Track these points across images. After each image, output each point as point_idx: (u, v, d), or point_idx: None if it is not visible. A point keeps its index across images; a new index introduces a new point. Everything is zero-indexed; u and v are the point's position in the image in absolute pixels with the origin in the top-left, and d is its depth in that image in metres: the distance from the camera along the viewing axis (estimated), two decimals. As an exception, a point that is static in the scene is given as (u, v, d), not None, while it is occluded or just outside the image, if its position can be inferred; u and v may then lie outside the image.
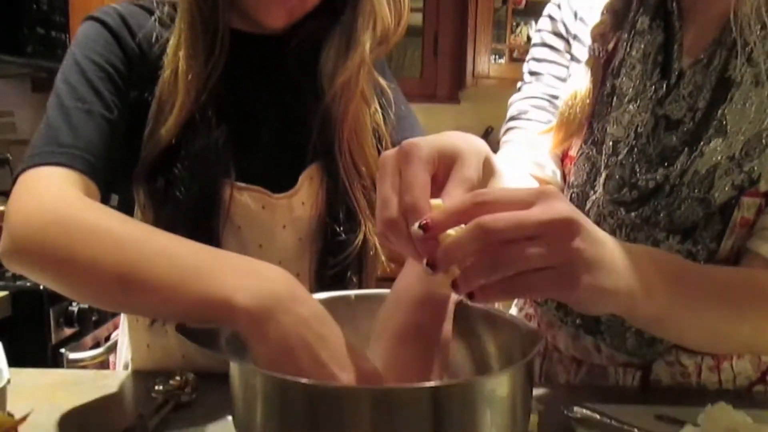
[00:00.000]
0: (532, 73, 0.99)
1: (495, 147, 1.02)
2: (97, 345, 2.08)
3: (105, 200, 0.81)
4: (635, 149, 0.83)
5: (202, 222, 0.84)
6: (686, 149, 0.81)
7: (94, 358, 1.93)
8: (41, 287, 1.86)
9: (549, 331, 1.02)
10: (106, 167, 0.79)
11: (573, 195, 0.93)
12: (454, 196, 0.54)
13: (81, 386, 0.86)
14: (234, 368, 0.56)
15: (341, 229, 0.91)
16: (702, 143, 0.79)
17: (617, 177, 0.84)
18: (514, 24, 3.40)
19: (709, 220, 0.81)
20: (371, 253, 0.95)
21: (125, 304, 0.71)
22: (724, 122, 0.78)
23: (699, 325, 0.67)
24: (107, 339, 2.12)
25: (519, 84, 1.01)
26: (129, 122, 0.83)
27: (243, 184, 0.88)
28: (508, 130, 0.99)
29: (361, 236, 0.92)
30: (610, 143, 0.86)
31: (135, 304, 0.67)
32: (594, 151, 0.90)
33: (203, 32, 0.84)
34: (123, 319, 1.03)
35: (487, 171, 0.63)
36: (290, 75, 0.92)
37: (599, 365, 0.95)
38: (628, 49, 0.86)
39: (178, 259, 0.63)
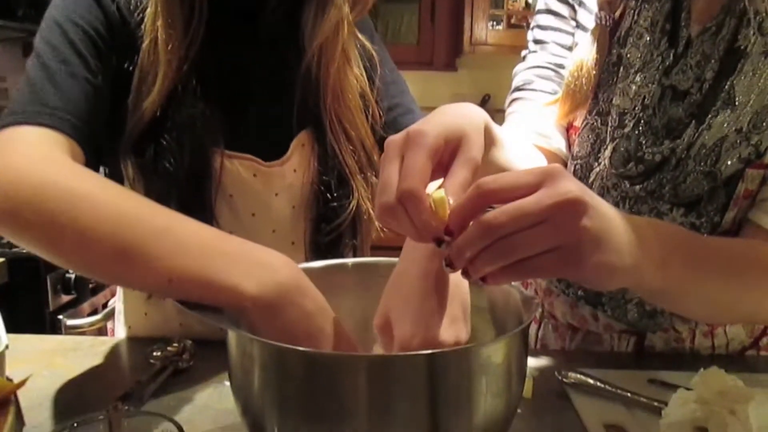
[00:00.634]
0: (536, 42, 0.97)
1: (493, 115, 1.01)
2: (94, 312, 2.09)
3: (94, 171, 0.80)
4: (641, 121, 0.82)
5: (195, 192, 0.84)
6: (693, 122, 0.80)
7: (91, 324, 1.93)
8: (38, 254, 1.86)
9: (546, 298, 1.02)
10: (91, 132, 0.77)
11: (576, 166, 0.93)
12: (458, 176, 0.54)
13: (79, 352, 0.87)
14: (232, 336, 0.56)
15: (334, 195, 0.91)
16: (710, 116, 0.79)
17: (623, 150, 0.84)
18: (513, -11, 3.35)
19: (714, 193, 0.81)
20: (365, 218, 0.95)
21: (121, 278, 0.70)
22: (732, 94, 0.77)
23: (703, 296, 0.68)
24: (105, 306, 2.13)
25: (523, 53, 1.00)
26: (112, 90, 0.82)
27: (233, 153, 0.87)
28: (513, 101, 0.97)
29: (354, 202, 0.92)
30: (616, 115, 0.85)
31: (132, 279, 0.65)
32: (599, 122, 0.89)
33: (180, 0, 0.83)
34: (120, 287, 1.03)
35: (488, 140, 0.62)
36: (272, 38, 0.91)
37: (595, 332, 0.96)
38: (635, 17, 0.84)
39: (183, 238, 0.63)
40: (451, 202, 0.53)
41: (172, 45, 0.82)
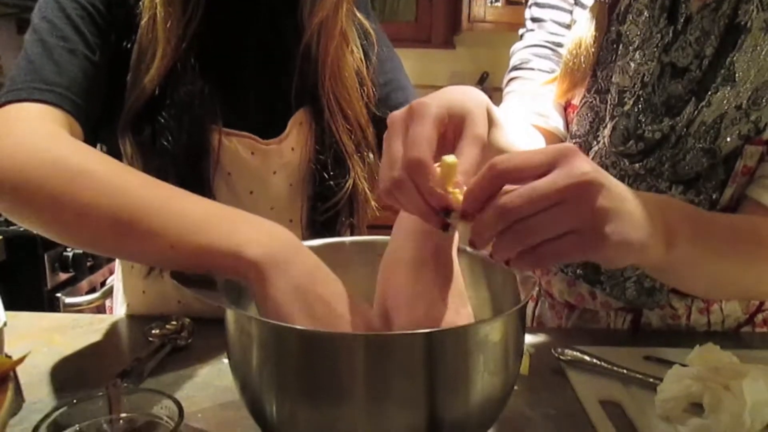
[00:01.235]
0: (534, 20, 0.96)
1: (491, 93, 1.01)
2: (92, 290, 2.10)
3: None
4: (641, 99, 0.82)
5: (193, 170, 0.84)
6: (693, 99, 0.80)
7: (90, 302, 1.94)
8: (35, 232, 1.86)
9: (544, 277, 1.03)
10: (89, 109, 0.77)
11: (576, 145, 0.92)
12: (469, 155, 0.54)
13: (78, 330, 0.87)
14: (230, 315, 0.56)
15: (331, 173, 0.91)
16: (709, 92, 0.78)
17: (622, 128, 0.83)
18: (512, -36, 3.32)
19: (712, 170, 0.81)
20: (361, 196, 0.95)
21: (123, 250, 0.70)
22: (732, 70, 0.77)
23: (707, 272, 0.68)
24: (103, 284, 2.14)
25: (521, 31, 0.99)
26: (110, 67, 0.81)
27: (231, 131, 0.87)
28: (510, 80, 0.97)
29: (350, 181, 0.92)
30: (615, 93, 0.85)
31: (134, 251, 0.66)
32: (597, 100, 0.89)
33: None
34: (118, 266, 1.03)
35: (489, 122, 0.62)
36: (271, 15, 0.90)
37: (591, 310, 0.97)
38: None
39: (184, 208, 0.63)
40: (459, 178, 0.52)
41: (171, 23, 0.81)
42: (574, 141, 0.93)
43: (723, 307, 0.93)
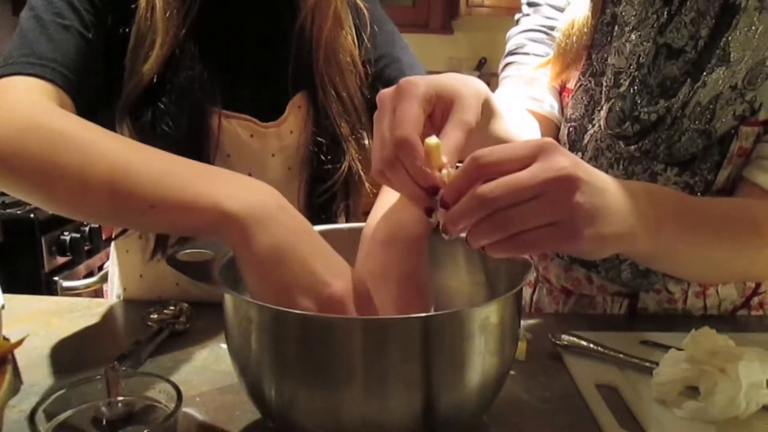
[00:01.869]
0: (530, 5, 0.96)
1: (488, 79, 1.01)
2: (90, 274, 2.10)
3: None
4: (636, 80, 0.82)
5: (193, 153, 0.83)
6: (688, 80, 0.80)
7: (87, 286, 1.94)
8: (32, 215, 1.86)
9: (541, 262, 1.03)
10: (82, 85, 0.77)
11: (570, 129, 0.92)
12: (452, 137, 0.54)
13: (75, 313, 0.87)
14: (228, 299, 0.56)
15: (327, 157, 0.91)
16: (705, 73, 0.79)
17: (618, 109, 0.83)
18: (511, -51, 3.30)
19: (708, 152, 0.82)
20: (356, 179, 0.95)
21: (105, 214, 0.68)
22: (727, 50, 0.77)
23: (698, 257, 0.69)
24: (100, 268, 2.14)
25: (517, 16, 0.99)
26: (106, 48, 0.81)
27: (231, 113, 0.87)
28: (506, 65, 0.97)
29: (346, 164, 0.92)
30: (611, 74, 0.85)
31: (117, 214, 0.65)
32: (593, 83, 0.89)
33: None
34: (113, 250, 1.03)
35: (488, 112, 0.62)
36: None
37: (588, 295, 0.97)
38: None
39: (165, 167, 0.63)
40: (445, 160, 0.53)
41: (170, 12, 0.81)
42: (569, 125, 0.93)
43: (719, 290, 0.93)
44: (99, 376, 0.53)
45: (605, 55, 0.86)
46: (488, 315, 0.53)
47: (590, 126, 0.89)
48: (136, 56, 0.82)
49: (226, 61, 0.88)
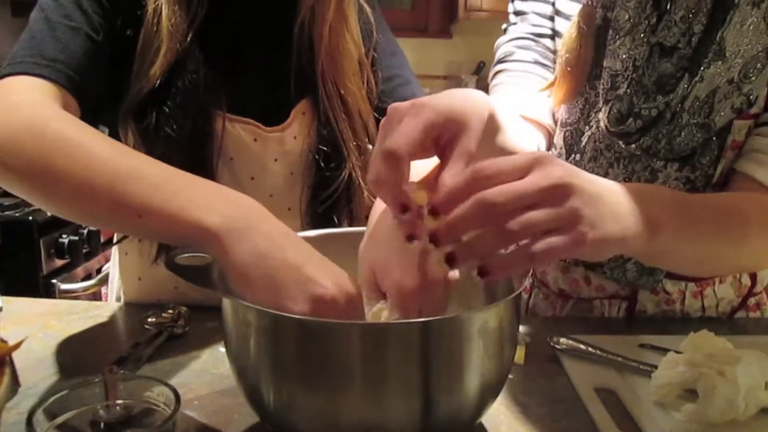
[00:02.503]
0: (517, 14, 0.98)
1: (487, 83, 1.01)
2: (88, 276, 2.09)
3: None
4: (633, 81, 0.84)
5: (196, 156, 0.84)
6: (686, 75, 0.81)
7: (85, 289, 1.94)
8: (30, 217, 1.85)
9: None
10: (88, 88, 0.78)
11: (567, 133, 0.93)
12: (454, 168, 0.55)
13: (74, 316, 0.87)
14: (227, 303, 0.56)
15: (330, 165, 0.91)
16: (701, 68, 0.80)
17: (616, 110, 0.84)
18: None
19: (707, 145, 0.83)
20: (356, 186, 0.95)
21: (97, 218, 0.70)
22: (723, 45, 0.79)
23: (701, 254, 0.70)
24: (99, 271, 2.13)
25: (504, 25, 1.00)
26: (113, 51, 0.81)
27: (235, 116, 0.88)
28: (496, 73, 0.98)
29: (346, 171, 0.92)
30: (608, 77, 0.86)
31: (107, 219, 0.67)
32: (587, 86, 0.89)
33: None
34: (114, 252, 1.03)
35: (493, 127, 0.63)
36: (273, 3, 0.90)
37: (585, 299, 0.97)
38: None
39: (158, 177, 0.63)
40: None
41: (175, 20, 0.82)
42: (565, 129, 0.93)
43: (716, 290, 0.94)
44: (97, 379, 0.53)
45: (599, 60, 0.87)
46: (487, 319, 0.53)
47: (587, 128, 0.90)
48: (142, 60, 0.82)
49: (231, 64, 0.88)
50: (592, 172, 0.63)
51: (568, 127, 0.93)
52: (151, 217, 0.61)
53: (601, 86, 0.86)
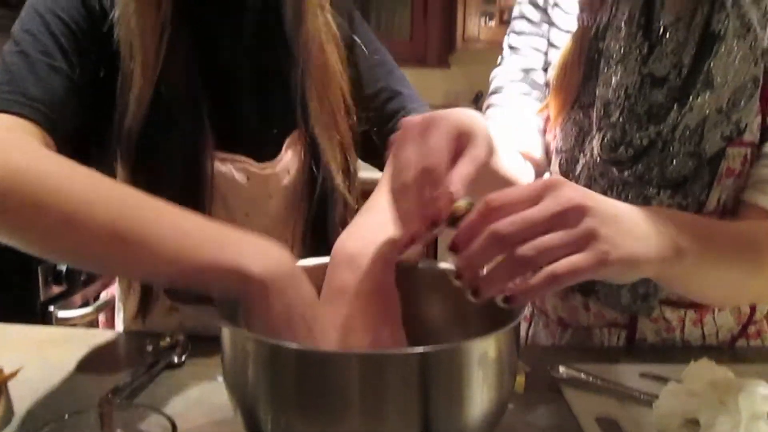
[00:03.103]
0: (511, 48, 1.00)
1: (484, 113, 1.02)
2: (86, 304, 2.08)
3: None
4: (625, 110, 0.85)
5: (189, 196, 0.81)
6: (676, 105, 0.83)
7: (83, 317, 1.92)
8: (28, 245, 1.85)
9: (538, 294, 1.03)
10: (68, 129, 0.76)
11: (561, 160, 0.94)
12: (464, 170, 0.56)
13: (71, 343, 0.87)
14: (225, 332, 0.56)
15: (324, 194, 0.92)
16: (690, 98, 0.82)
17: (609, 138, 0.86)
18: (505, -16, 3.35)
19: (698, 173, 0.84)
20: (341, 206, 0.95)
21: (111, 265, 0.68)
22: (711, 76, 0.81)
23: (722, 279, 0.70)
24: (96, 298, 2.12)
25: (499, 59, 1.02)
26: (93, 89, 0.80)
27: (226, 155, 0.87)
28: (488, 106, 1.00)
29: (340, 198, 0.93)
30: (601, 105, 0.87)
31: (127, 263, 0.63)
32: (581, 114, 0.91)
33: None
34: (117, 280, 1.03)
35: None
36: (259, 34, 0.90)
37: (585, 327, 0.97)
38: (614, 12, 0.87)
39: (178, 221, 0.62)
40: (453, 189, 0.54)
41: (146, 61, 0.80)
42: (560, 156, 0.94)
43: (716, 317, 0.93)
44: (93, 409, 0.52)
45: (593, 88, 0.88)
46: (486, 348, 0.53)
47: (581, 156, 0.91)
48: (123, 99, 0.81)
49: (219, 98, 0.87)
50: None
51: (564, 154, 0.94)
52: (181, 265, 0.60)
53: (595, 114, 0.88)
